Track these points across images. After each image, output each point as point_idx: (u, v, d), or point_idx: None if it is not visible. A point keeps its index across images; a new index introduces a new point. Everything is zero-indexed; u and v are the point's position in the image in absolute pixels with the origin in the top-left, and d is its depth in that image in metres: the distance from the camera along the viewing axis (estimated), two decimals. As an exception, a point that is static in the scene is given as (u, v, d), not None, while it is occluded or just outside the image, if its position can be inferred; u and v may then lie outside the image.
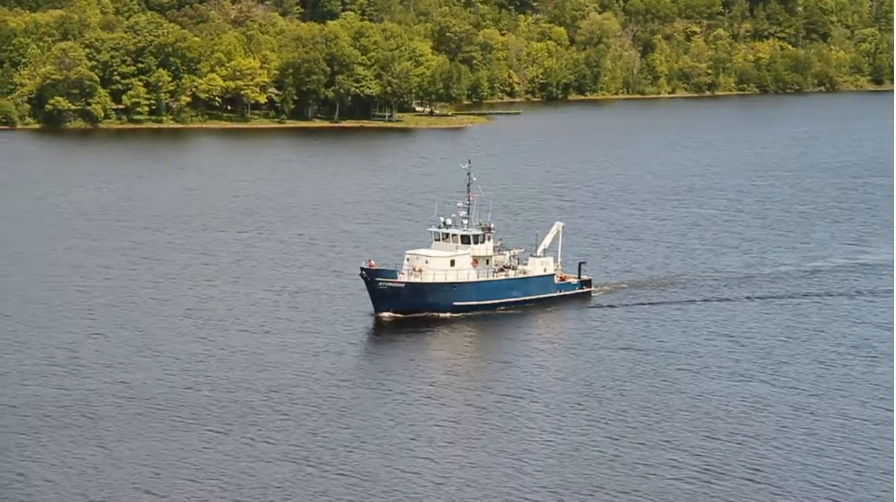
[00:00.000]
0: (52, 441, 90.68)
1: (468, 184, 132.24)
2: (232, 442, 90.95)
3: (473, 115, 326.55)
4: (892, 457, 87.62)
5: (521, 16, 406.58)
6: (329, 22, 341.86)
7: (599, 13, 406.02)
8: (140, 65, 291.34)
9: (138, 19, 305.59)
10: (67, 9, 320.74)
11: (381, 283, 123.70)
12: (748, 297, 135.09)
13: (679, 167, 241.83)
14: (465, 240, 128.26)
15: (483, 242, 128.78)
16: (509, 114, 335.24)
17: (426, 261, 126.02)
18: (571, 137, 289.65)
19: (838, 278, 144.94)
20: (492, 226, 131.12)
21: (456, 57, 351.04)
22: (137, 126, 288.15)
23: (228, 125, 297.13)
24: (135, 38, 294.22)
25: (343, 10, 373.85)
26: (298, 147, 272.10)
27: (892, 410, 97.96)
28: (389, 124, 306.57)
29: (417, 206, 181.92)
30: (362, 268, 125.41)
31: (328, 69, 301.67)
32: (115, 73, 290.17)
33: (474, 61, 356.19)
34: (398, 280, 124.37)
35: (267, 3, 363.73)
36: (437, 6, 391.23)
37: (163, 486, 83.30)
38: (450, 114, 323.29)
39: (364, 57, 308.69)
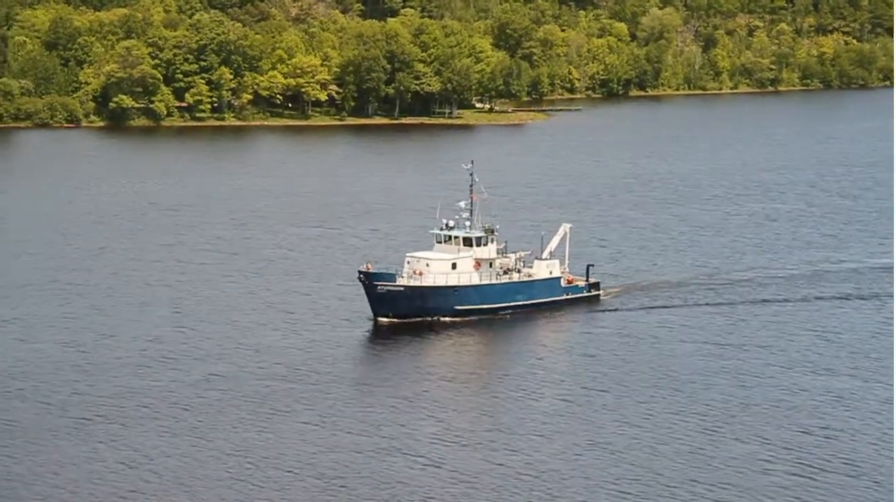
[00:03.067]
0: (141, 434, 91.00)
1: (471, 185, 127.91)
2: (324, 433, 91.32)
3: (533, 111, 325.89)
4: None
5: (582, 11, 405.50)
6: (389, 19, 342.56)
7: (660, 8, 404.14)
8: (202, 62, 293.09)
9: (201, 17, 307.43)
10: (131, 7, 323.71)
11: (379, 287, 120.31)
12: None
13: (741, 163, 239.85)
14: (468, 242, 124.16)
15: (486, 244, 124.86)
16: (569, 110, 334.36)
17: (427, 264, 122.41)
18: (630, 134, 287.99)
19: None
20: (496, 227, 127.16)
21: (516, 53, 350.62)
22: (200, 124, 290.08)
23: (289, 122, 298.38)
24: (197, 35, 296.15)
25: (403, 8, 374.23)
26: (359, 144, 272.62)
27: None
28: (449, 121, 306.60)
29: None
30: (360, 272, 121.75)
31: (388, 66, 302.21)
32: (178, 70, 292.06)
33: (534, 57, 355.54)
34: (397, 283, 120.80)
35: (328, 0, 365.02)
36: (497, 2, 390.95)
37: (256, 477, 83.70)
38: (510, 110, 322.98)
39: (424, 54, 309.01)
